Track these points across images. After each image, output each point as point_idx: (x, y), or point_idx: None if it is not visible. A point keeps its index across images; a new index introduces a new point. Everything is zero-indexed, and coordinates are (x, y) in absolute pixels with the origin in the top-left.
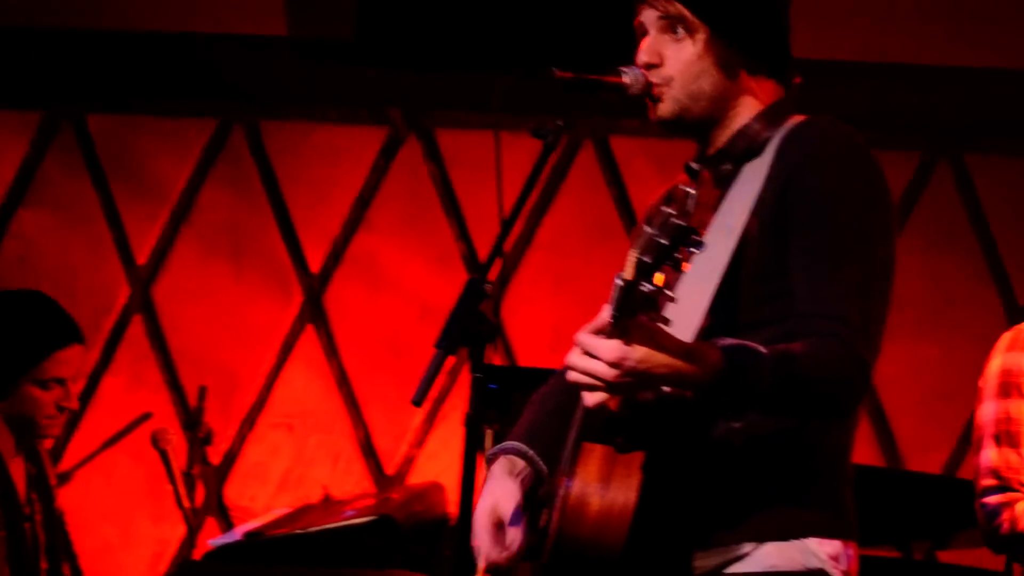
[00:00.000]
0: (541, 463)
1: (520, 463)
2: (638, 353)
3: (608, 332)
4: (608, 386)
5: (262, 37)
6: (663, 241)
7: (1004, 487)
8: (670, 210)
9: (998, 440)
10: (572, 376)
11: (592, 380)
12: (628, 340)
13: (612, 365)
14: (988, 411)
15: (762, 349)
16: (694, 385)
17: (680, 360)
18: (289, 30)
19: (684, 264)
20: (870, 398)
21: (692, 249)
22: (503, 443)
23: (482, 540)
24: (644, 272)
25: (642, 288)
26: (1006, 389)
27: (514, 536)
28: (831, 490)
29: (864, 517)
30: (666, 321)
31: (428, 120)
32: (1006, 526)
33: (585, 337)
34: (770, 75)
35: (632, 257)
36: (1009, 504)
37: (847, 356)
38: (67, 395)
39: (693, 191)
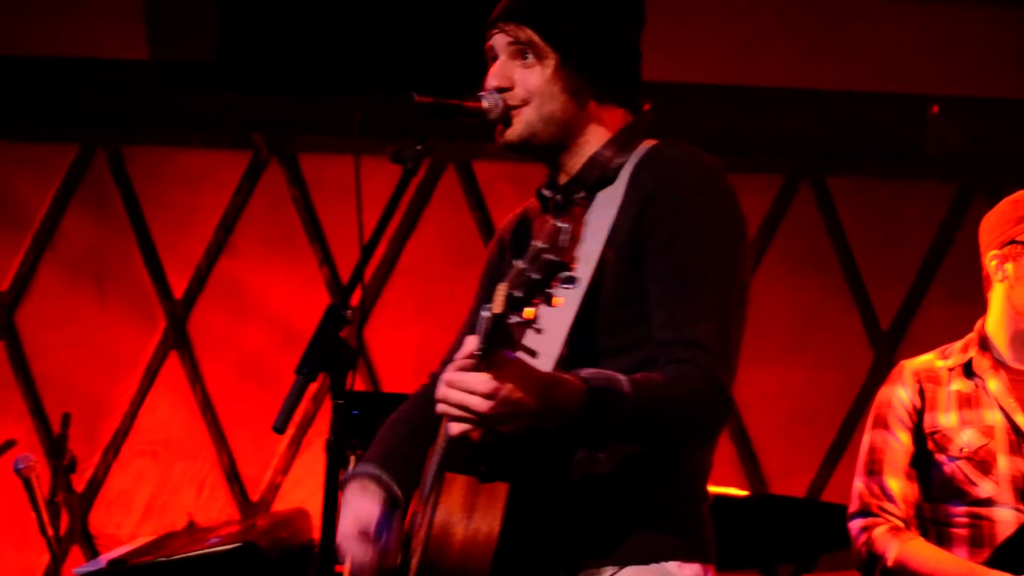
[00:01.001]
0: (396, 488)
1: (373, 486)
2: (507, 387)
3: (476, 365)
4: (480, 418)
5: (124, 61)
6: (534, 276)
7: (866, 512)
8: (542, 243)
9: (865, 469)
10: (443, 409)
11: (464, 413)
12: (496, 373)
13: (486, 397)
14: (863, 442)
15: (622, 379)
16: (558, 416)
17: (545, 393)
18: (151, 54)
19: (554, 299)
20: (734, 421)
21: (566, 285)
22: (356, 467)
23: (348, 545)
24: (514, 306)
25: (509, 321)
26: (876, 421)
27: (378, 545)
28: (690, 513)
29: (729, 540)
30: (533, 353)
31: (291, 145)
32: (864, 550)
33: (455, 375)
34: (619, 102)
35: (501, 290)
36: (868, 529)
37: (707, 383)
38: None
39: (566, 225)
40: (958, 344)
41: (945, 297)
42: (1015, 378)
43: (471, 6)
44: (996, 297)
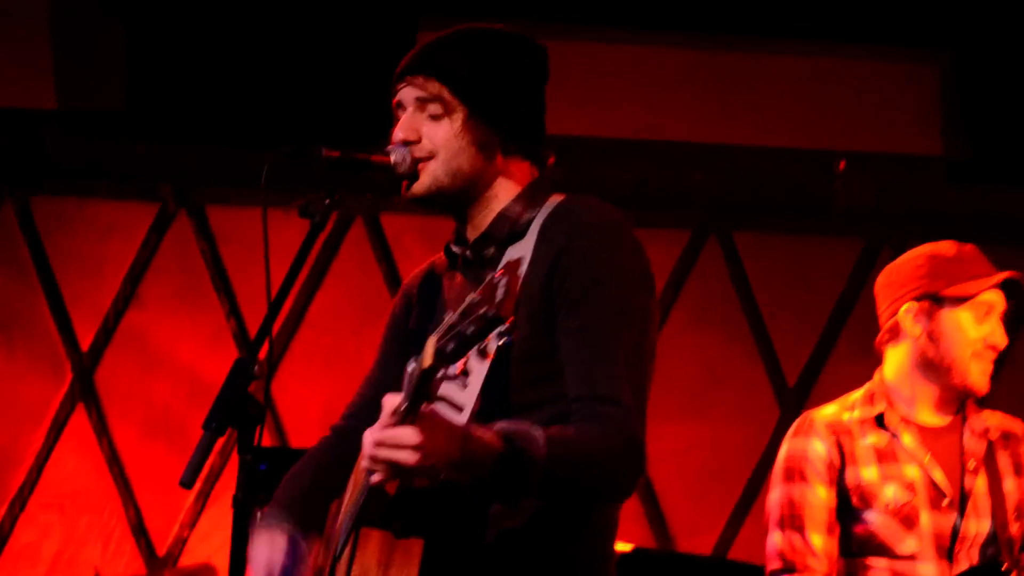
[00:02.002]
0: (300, 537)
1: (279, 535)
2: (433, 440)
3: (400, 419)
4: (408, 472)
5: (31, 110)
6: (468, 330)
7: (789, 569)
8: (477, 297)
9: (782, 524)
10: (370, 465)
11: (392, 469)
12: (422, 427)
13: (414, 450)
14: (774, 497)
15: (538, 434)
16: (474, 469)
17: (464, 445)
18: (59, 103)
19: (490, 354)
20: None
21: (501, 339)
22: (261, 516)
23: None
24: (444, 360)
25: (438, 376)
26: (790, 475)
27: None
28: (598, 570)
29: None
30: (459, 408)
31: (199, 196)
32: None
33: (384, 432)
34: (525, 156)
35: (432, 344)
36: None
37: (622, 439)
38: None
39: (503, 278)
40: (857, 395)
41: (851, 353)
42: (925, 433)
43: (378, 60)
44: (902, 351)
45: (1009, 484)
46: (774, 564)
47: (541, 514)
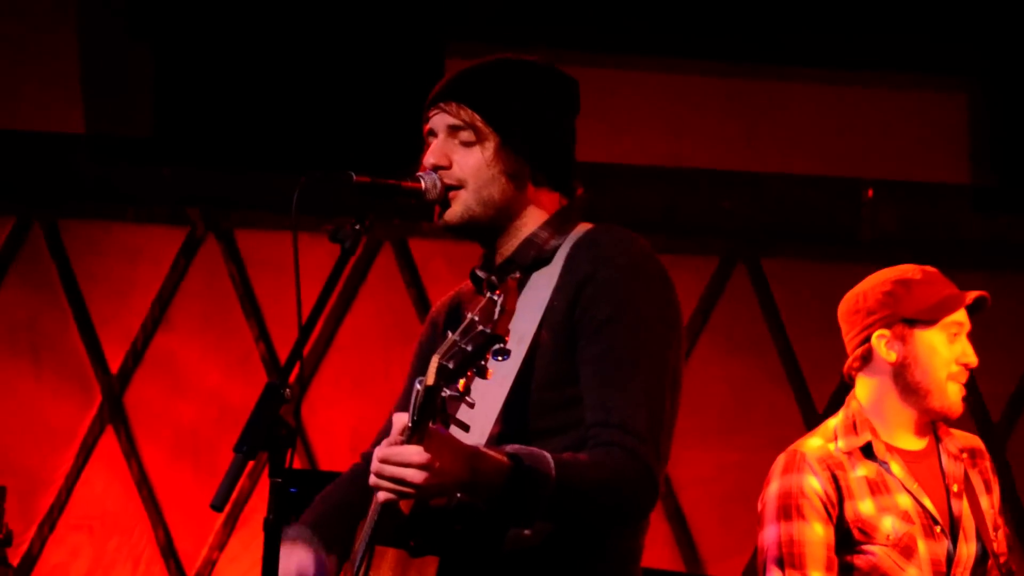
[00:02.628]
0: (324, 552)
1: (303, 548)
2: (439, 458)
3: (407, 438)
4: (414, 490)
5: (60, 134)
6: (467, 348)
7: None
8: (476, 316)
9: (780, 563)
10: (376, 482)
11: (398, 486)
12: (428, 445)
13: (420, 468)
14: (770, 535)
15: (548, 457)
16: (483, 490)
17: (471, 465)
18: (87, 127)
19: (488, 371)
20: (670, 502)
21: (498, 357)
22: (288, 529)
23: None
24: (446, 377)
25: (442, 394)
26: (786, 512)
27: None
28: None
29: None
30: (466, 427)
31: (227, 221)
32: None
33: (389, 449)
34: (555, 186)
35: (434, 363)
36: None
37: (633, 466)
38: None
39: (499, 297)
40: (835, 423)
41: None
42: (908, 459)
43: (406, 86)
44: (877, 378)
45: (984, 502)
46: None
47: (557, 537)
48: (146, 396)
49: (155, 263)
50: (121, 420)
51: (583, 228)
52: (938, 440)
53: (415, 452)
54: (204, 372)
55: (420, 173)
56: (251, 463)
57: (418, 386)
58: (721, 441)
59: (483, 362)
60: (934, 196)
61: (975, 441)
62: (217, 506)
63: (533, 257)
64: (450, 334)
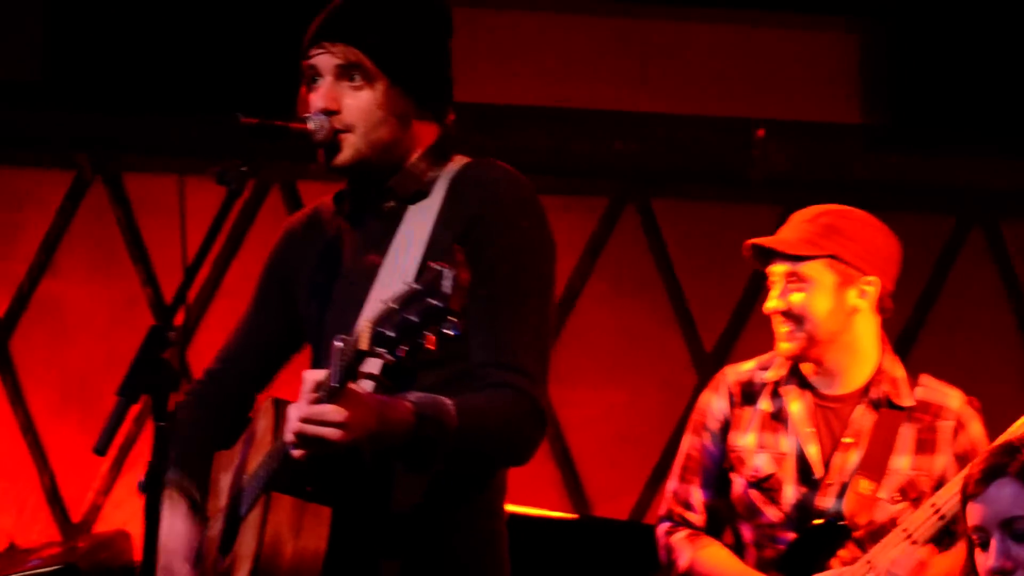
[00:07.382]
0: (195, 493)
1: (178, 497)
2: (356, 415)
3: (328, 397)
4: (334, 447)
5: None
6: (411, 318)
7: (670, 518)
8: (419, 286)
9: (676, 472)
10: (297, 440)
11: (319, 445)
12: (346, 403)
13: (339, 427)
14: (681, 444)
15: (450, 406)
16: (389, 441)
17: (381, 419)
18: None
19: (430, 340)
20: (557, 444)
21: (447, 330)
22: (167, 476)
23: (170, 564)
24: (381, 344)
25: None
26: (693, 426)
27: (198, 565)
28: (494, 530)
29: (553, 564)
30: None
31: (114, 164)
32: (664, 554)
33: (310, 409)
34: (435, 118)
35: (367, 328)
36: (669, 534)
37: (527, 408)
38: None
39: (450, 271)
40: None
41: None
42: (822, 403)
43: (294, 25)
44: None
45: (902, 461)
46: (662, 510)
47: (444, 482)
48: (32, 342)
49: (42, 208)
50: (7, 366)
51: (461, 161)
52: (867, 388)
53: (335, 411)
54: (91, 317)
55: (308, 115)
56: (136, 407)
57: (341, 345)
58: (609, 381)
59: (426, 333)
60: (825, 136)
61: (948, 399)
62: (100, 450)
63: (412, 189)
64: (386, 301)
